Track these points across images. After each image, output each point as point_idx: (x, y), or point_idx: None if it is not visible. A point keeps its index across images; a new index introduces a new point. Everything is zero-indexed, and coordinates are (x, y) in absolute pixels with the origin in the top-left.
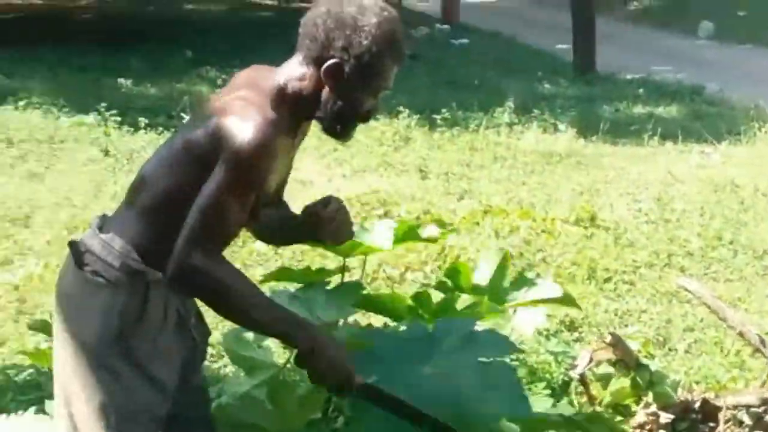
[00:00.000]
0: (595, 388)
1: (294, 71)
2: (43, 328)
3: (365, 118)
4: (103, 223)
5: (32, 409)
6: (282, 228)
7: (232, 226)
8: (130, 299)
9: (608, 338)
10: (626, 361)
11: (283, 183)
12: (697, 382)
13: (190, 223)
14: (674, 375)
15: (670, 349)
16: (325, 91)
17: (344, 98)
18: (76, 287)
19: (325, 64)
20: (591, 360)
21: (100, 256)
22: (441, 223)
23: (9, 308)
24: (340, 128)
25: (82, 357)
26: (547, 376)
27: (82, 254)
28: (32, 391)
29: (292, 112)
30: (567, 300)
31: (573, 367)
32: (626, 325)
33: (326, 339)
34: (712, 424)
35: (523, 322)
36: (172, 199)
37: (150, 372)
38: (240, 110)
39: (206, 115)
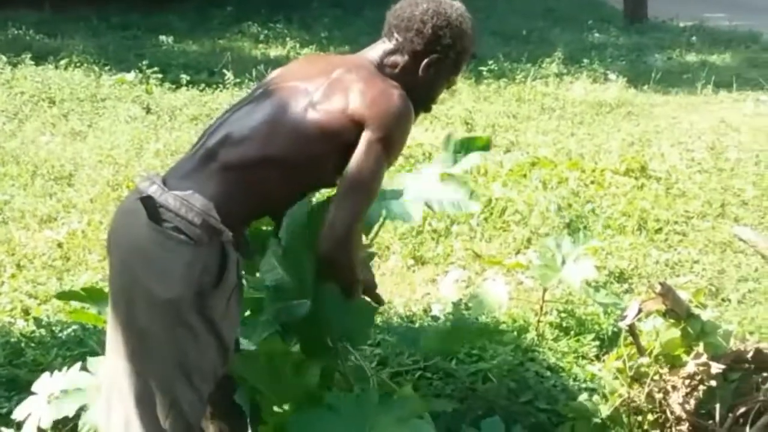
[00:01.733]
0: (644, 339)
1: (386, 58)
2: (71, 296)
3: (431, 106)
4: (166, 179)
5: (77, 365)
6: None
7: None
8: (210, 258)
9: (658, 288)
10: (677, 311)
11: None
12: (751, 333)
13: (350, 196)
14: (727, 325)
15: (723, 300)
16: (416, 80)
17: (431, 88)
18: (153, 243)
19: (429, 57)
20: (640, 311)
21: (178, 212)
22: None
23: (53, 265)
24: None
25: (159, 313)
26: (596, 327)
27: (156, 210)
28: (76, 347)
29: None
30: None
31: (622, 318)
32: (677, 276)
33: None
34: (765, 374)
35: (571, 274)
36: (272, 162)
37: (220, 333)
38: (380, 85)
39: (320, 86)
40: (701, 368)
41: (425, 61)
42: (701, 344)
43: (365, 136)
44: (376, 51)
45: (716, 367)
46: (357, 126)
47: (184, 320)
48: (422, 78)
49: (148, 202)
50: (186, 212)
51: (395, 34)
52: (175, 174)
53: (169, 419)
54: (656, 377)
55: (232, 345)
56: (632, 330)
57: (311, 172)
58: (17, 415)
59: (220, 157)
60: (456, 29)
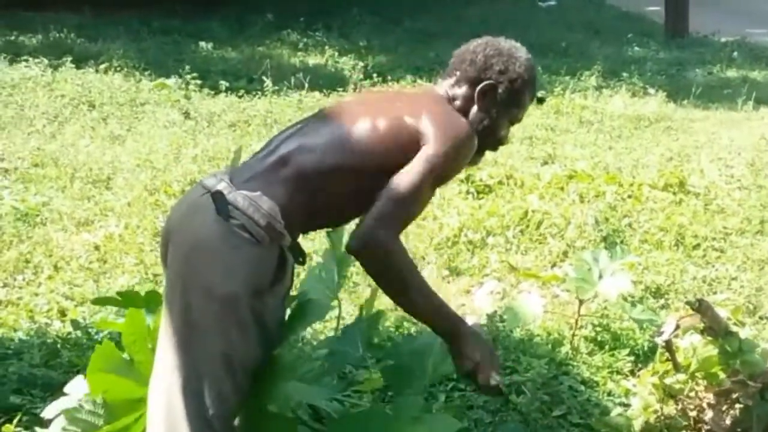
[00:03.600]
0: (681, 355)
1: (449, 91)
2: (107, 302)
3: (497, 145)
4: (232, 179)
5: None
6: None
7: (419, 211)
8: (269, 260)
9: (696, 305)
10: (714, 328)
11: None
12: None
13: (389, 199)
14: (765, 344)
15: (760, 318)
16: (474, 111)
17: (490, 119)
18: (219, 238)
19: (482, 84)
20: (678, 327)
21: (245, 212)
22: None
23: (90, 267)
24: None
25: (215, 307)
26: (631, 342)
27: (226, 206)
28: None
29: None
30: None
31: (659, 333)
32: (715, 293)
33: (469, 332)
34: None
35: (607, 288)
36: (345, 172)
37: (269, 333)
38: (449, 112)
39: (395, 106)
40: (738, 386)
41: (479, 87)
42: (738, 362)
43: (423, 150)
44: (440, 87)
45: (754, 386)
46: (421, 143)
47: (239, 316)
48: (480, 108)
49: (218, 197)
50: (253, 212)
51: (454, 70)
52: (243, 175)
53: (212, 409)
54: (692, 394)
55: (275, 345)
56: (669, 346)
57: (376, 187)
58: (47, 413)
59: (294, 163)
60: (507, 57)
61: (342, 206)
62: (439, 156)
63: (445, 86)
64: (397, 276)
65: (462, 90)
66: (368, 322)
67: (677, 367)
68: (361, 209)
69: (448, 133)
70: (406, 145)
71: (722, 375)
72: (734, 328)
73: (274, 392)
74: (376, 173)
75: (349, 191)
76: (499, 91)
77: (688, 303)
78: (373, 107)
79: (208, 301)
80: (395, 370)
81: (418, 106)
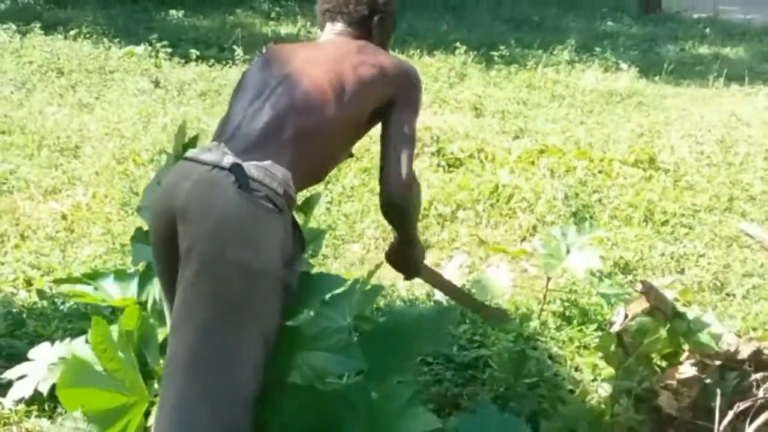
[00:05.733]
0: (632, 337)
1: (353, 34)
2: (70, 281)
3: None
4: (231, 149)
5: (81, 338)
6: None
7: None
8: (288, 228)
9: (639, 287)
10: (662, 310)
11: None
12: (755, 329)
13: (403, 146)
14: (731, 320)
15: (727, 294)
16: (380, 42)
17: (388, 40)
18: (245, 213)
19: (376, 17)
20: (627, 316)
21: (263, 182)
22: None
23: (56, 237)
24: None
25: (253, 283)
26: (599, 317)
27: (247, 179)
28: (78, 320)
29: None
30: None
31: (611, 324)
32: (682, 269)
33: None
34: (765, 374)
35: (575, 264)
36: (338, 134)
37: (287, 303)
38: (396, 58)
39: (355, 57)
40: (699, 367)
41: (373, 21)
42: (686, 344)
43: (403, 102)
44: (340, 34)
45: (713, 364)
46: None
47: (275, 289)
48: (376, 39)
49: (239, 171)
50: (270, 182)
51: (338, 15)
52: (238, 143)
53: (249, 387)
54: (649, 375)
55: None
56: (620, 338)
57: (355, 142)
58: (9, 374)
59: (292, 125)
60: None
61: (330, 164)
62: (417, 100)
63: (344, 31)
64: (415, 209)
65: (358, 29)
66: (364, 293)
67: (629, 353)
68: (337, 164)
69: (412, 78)
70: (383, 104)
71: (672, 357)
72: (683, 309)
73: (297, 364)
74: (364, 130)
75: (341, 149)
76: (388, 18)
77: (634, 289)
78: (339, 65)
79: (244, 277)
80: (374, 346)
81: (374, 61)
